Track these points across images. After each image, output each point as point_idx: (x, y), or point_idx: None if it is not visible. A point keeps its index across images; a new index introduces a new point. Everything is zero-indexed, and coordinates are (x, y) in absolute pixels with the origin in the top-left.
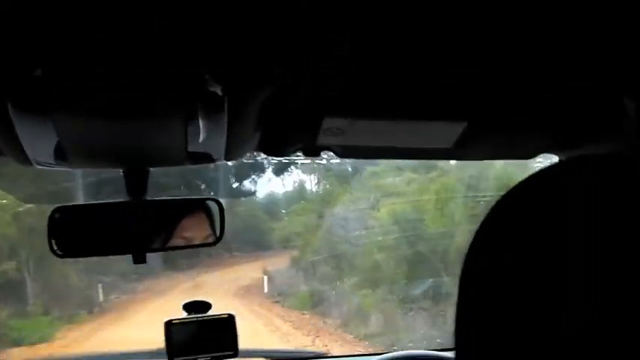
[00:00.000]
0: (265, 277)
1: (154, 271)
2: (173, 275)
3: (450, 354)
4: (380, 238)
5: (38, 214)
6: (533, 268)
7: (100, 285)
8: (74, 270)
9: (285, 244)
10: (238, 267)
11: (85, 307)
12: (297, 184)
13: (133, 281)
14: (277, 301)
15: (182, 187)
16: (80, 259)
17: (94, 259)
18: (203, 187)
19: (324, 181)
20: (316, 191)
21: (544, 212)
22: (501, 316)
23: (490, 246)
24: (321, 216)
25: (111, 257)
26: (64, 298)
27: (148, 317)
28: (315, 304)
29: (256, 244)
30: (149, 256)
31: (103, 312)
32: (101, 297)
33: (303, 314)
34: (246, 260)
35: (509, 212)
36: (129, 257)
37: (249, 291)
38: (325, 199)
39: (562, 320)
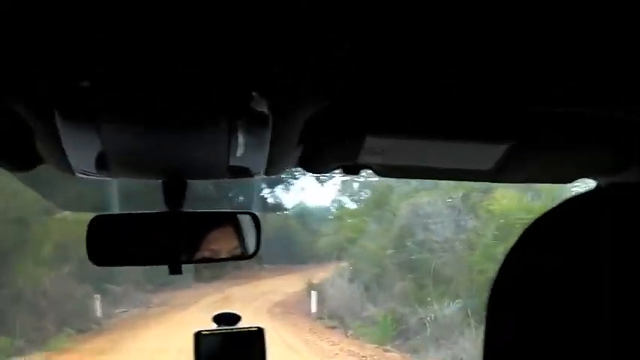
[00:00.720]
0: (314, 294)
1: (174, 282)
2: (196, 287)
3: None
4: (494, 242)
5: None
6: (565, 289)
7: (97, 296)
8: (59, 276)
9: (332, 253)
10: (270, 280)
11: (74, 326)
12: (337, 187)
13: (148, 292)
14: (334, 327)
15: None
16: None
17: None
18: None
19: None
20: (361, 193)
21: (577, 236)
22: (531, 336)
23: (523, 266)
24: (379, 219)
25: None
26: (39, 313)
27: (164, 332)
28: (399, 333)
29: (290, 255)
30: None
31: (101, 331)
32: (99, 311)
33: (385, 350)
34: (280, 273)
35: (544, 235)
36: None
37: (287, 309)
38: (380, 201)
39: (595, 344)
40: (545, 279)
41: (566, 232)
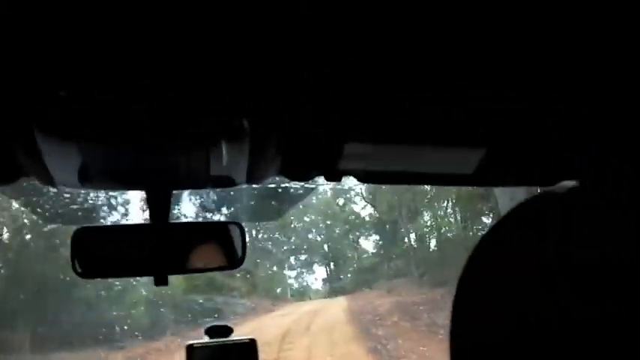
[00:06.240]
0: None
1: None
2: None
3: None
4: None
5: None
6: (532, 285)
7: None
8: None
9: None
10: None
11: None
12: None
13: None
14: None
15: None
16: None
17: None
18: None
19: None
20: None
21: (546, 232)
22: (497, 328)
23: (490, 264)
24: None
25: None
26: None
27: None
28: None
29: None
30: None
31: None
32: None
33: None
34: None
35: (513, 229)
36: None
37: None
38: None
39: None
40: (512, 274)
41: (535, 227)
